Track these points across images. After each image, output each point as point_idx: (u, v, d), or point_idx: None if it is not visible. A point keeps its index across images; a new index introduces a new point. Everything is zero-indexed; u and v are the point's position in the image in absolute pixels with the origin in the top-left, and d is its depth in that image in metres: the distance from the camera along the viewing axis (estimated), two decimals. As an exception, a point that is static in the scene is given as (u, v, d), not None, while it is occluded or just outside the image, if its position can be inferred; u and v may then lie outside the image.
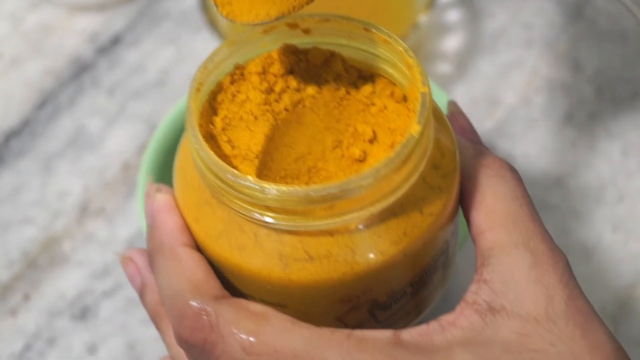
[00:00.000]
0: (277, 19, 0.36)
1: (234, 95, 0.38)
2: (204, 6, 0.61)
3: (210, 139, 0.37)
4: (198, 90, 0.37)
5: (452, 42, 0.66)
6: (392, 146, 0.36)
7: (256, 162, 0.36)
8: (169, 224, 0.38)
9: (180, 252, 0.37)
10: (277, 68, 0.38)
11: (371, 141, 0.37)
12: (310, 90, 0.38)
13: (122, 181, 0.62)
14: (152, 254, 0.39)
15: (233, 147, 0.37)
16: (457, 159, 0.38)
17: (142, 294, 0.41)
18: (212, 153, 0.35)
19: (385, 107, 0.37)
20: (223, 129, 0.37)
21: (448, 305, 0.46)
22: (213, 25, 0.60)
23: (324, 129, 0.37)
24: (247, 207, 0.35)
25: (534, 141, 0.62)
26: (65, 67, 0.67)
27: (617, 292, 0.57)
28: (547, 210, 0.59)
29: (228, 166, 0.34)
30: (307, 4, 0.36)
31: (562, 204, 0.60)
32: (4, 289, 0.58)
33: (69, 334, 0.57)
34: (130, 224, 0.60)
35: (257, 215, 0.35)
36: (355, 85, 0.38)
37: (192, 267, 0.37)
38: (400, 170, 0.34)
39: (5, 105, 0.66)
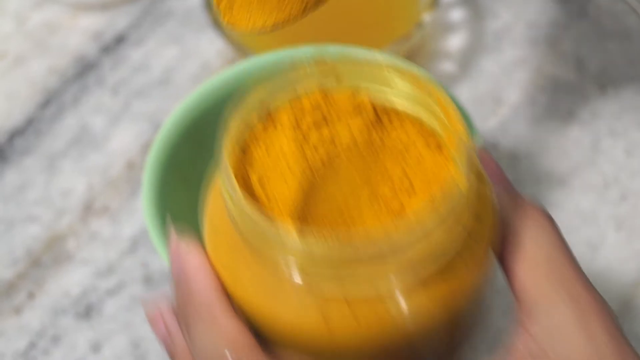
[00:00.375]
0: (274, 28, 0.35)
1: (267, 145, 0.37)
2: (208, 5, 0.61)
3: (246, 190, 0.36)
4: (231, 140, 0.36)
5: (456, 41, 0.66)
6: (430, 196, 0.35)
7: (294, 215, 0.35)
8: (202, 282, 0.37)
9: (215, 312, 0.36)
10: (308, 115, 0.37)
11: (408, 191, 0.36)
12: (344, 138, 0.37)
13: (126, 180, 0.62)
14: (184, 313, 0.38)
15: (269, 200, 0.36)
16: (496, 208, 0.37)
17: (172, 355, 0.40)
18: (250, 206, 0.34)
19: (420, 155, 0.37)
20: (259, 181, 0.36)
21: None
22: (217, 24, 0.60)
23: (359, 178, 0.36)
24: (287, 259, 0.34)
25: (537, 140, 0.62)
26: (70, 66, 0.67)
27: (620, 290, 0.57)
28: (550, 209, 0.59)
29: (268, 219, 0.33)
30: (302, 16, 0.35)
31: (565, 203, 0.60)
32: (9, 287, 0.58)
33: (73, 332, 0.57)
34: (134, 222, 0.60)
35: (297, 269, 0.34)
36: (389, 131, 0.37)
37: (229, 327, 0.36)
38: (445, 225, 0.34)
39: (9, 104, 0.66)
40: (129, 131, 0.64)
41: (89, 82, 0.66)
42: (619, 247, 0.58)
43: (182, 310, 0.38)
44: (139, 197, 0.61)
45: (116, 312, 0.57)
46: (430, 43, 0.66)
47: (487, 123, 0.63)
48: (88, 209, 0.61)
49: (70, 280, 0.58)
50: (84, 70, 0.67)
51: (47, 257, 0.59)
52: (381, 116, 0.38)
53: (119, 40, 0.68)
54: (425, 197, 0.36)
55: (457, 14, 0.67)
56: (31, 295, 0.58)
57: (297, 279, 0.34)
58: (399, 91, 0.37)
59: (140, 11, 0.69)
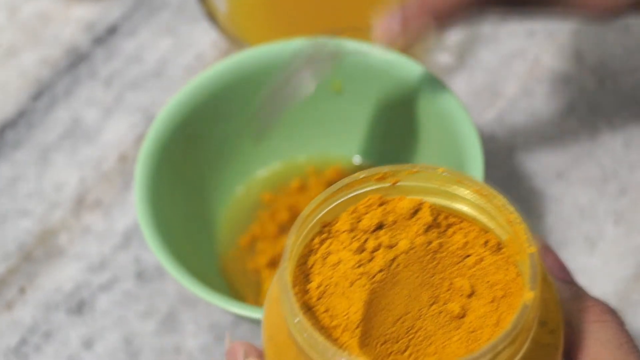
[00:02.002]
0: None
1: (324, 258, 0.36)
2: (202, -4, 0.61)
3: (307, 310, 0.35)
4: (291, 260, 0.35)
5: (453, 32, 0.65)
6: (493, 302, 0.35)
7: (357, 332, 0.35)
8: None
9: None
10: (365, 224, 0.37)
11: (469, 296, 0.35)
12: (402, 246, 0.36)
13: (119, 173, 0.61)
14: None
15: (332, 318, 0.35)
16: (561, 310, 0.37)
17: None
18: (316, 333, 0.33)
19: (481, 259, 0.36)
20: (319, 298, 0.35)
21: None
22: (211, 15, 0.60)
23: (419, 285, 0.36)
24: None
25: (535, 132, 0.62)
26: (62, 57, 0.66)
27: (619, 284, 0.56)
28: (548, 203, 0.59)
29: (334, 347, 0.33)
30: None
31: (563, 196, 0.59)
32: (0, 283, 0.58)
33: (65, 327, 0.56)
34: (127, 216, 0.60)
35: None
36: (447, 236, 0.37)
37: None
38: (515, 341, 0.33)
39: (0, 96, 0.65)
40: (122, 124, 0.63)
41: (81, 73, 0.65)
42: (617, 241, 0.58)
43: None
44: (132, 191, 0.60)
45: (109, 307, 0.56)
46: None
47: (485, 115, 0.62)
48: (80, 203, 0.60)
49: (63, 275, 0.58)
50: (76, 61, 0.66)
51: (39, 251, 0.59)
52: (439, 220, 0.37)
53: (112, 31, 0.67)
54: (487, 300, 0.35)
55: (454, 5, 0.67)
56: (23, 291, 0.57)
57: None
58: (458, 197, 0.37)
59: (133, 2, 0.68)
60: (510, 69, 0.64)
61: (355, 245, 0.36)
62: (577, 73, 0.64)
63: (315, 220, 0.36)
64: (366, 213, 0.37)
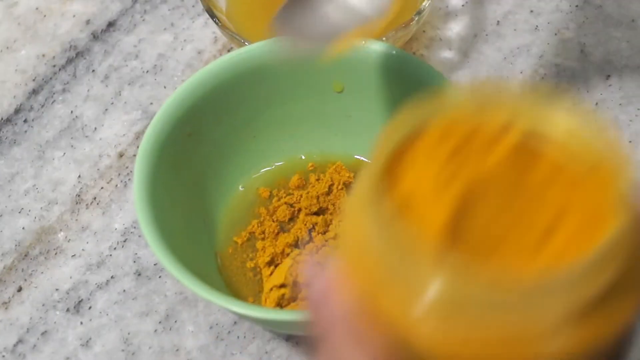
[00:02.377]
0: None
1: (410, 167, 0.36)
2: (202, -10, 0.60)
3: (390, 216, 0.35)
4: (372, 176, 0.35)
5: (456, 28, 0.65)
6: (577, 230, 0.34)
7: (438, 243, 0.34)
8: (344, 299, 0.35)
9: (359, 325, 0.35)
10: (453, 141, 0.36)
11: (551, 228, 0.34)
12: (486, 168, 0.36)
13: (117, 170, 0.61)
14: (325, 333, 0.36)
15: (414, 226, 0.35)
16: None
17: (310, 284, 0.37)
18: (402, 234, 0.33)
19: (567, 187, 0.35)
20: (402, 205, 0.35)
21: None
22: (211, 11, 0.59)
23: (498, 212, 0.35)
24: (435, 290, 0.33)
25: (539, 130, 0.61)
26: (59, 52, 0.66)
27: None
28: (553, 201, 0.58)
29: (419, 248, 0.33)
30: None
31: (568, 195, 0.59)
32: (-3, 281, 0.57)
33: (63, 327, 0.55)
34: (126, 214, 0.59)
35: (442, 303, 0.33)
36: (531, 162, 0.36)
37: (376, 347, 0.34)
38: (597, 271, 0.32)
39: (-2, 92, 0.65)
40: (120, 120, 0.63)
41: (79, 69, 0.65)
42: (623, 240, 0.57)
43: (322, 325, 0.36)
44: (130, 189, 0.60)
45: (107, 307, 0.56)
46: (430, 30, 0.65)
47: (488, 112, 0.62)
48: (78, 201, 0.60)
49: (60, 274, 0.57)
50: (74, 57, 0.65)
51: (36, 250, 0.58)
52: (523, 144, 0.36)
53: (110, 26, 0.67)
54: (571, 228, 0.34)
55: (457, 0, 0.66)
56: (20, 289, 0.57)
57: (440, 310, 0.33)
58: (545, 119, 0.36)
59: (132, -3, 0.68)
60: (514, 65, 0.63)
61: (434, 167, 0.35)
62: (582, 69, 0.63)
63: (395, 140, 0.36)
64: (447, 135, 0.36)
